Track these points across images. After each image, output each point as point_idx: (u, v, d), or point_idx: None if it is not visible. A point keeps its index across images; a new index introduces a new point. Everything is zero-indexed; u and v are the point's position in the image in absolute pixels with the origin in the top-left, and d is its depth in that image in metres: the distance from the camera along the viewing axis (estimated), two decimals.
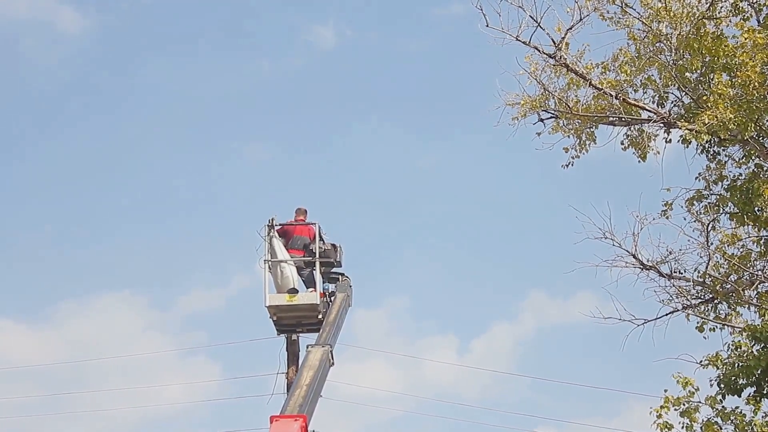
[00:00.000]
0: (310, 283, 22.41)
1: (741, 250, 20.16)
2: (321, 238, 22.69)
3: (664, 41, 19.72)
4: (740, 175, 20.04)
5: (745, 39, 18.82)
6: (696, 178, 20.51)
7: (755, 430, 17.28)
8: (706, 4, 19.75)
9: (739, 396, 17.39)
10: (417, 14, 55.61)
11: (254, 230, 22.30)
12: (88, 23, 55.33)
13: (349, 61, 54.73)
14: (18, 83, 54.32)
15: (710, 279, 20.06)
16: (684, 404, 17.50)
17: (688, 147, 19.87)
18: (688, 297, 20.21)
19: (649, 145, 20.65)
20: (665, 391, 17.53)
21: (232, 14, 55.69)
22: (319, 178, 49.79)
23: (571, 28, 19.96)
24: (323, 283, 22.64)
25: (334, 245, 22.91)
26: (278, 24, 55.53)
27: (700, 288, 20.23)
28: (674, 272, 20.27)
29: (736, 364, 17.26)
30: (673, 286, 20.22)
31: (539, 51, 20.12)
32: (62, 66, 54.36)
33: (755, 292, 19.75)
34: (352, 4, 56.49)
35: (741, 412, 17.52)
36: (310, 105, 53.39)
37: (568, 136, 20.88)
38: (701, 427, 17.63)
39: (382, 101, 54.09)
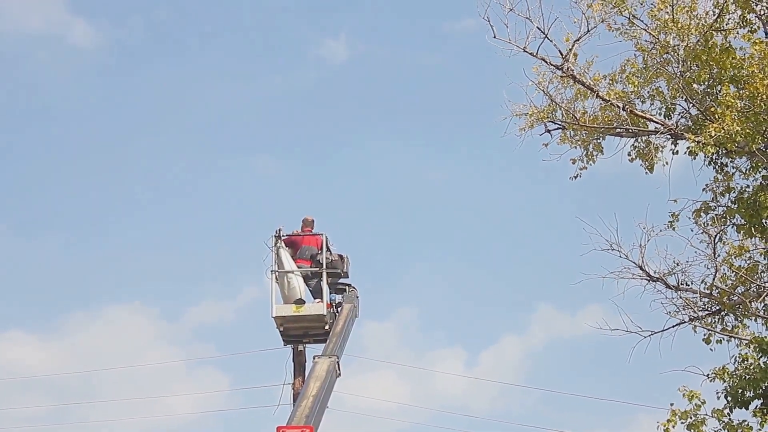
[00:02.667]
0: (317, 293, 22.42)
1: (748, 262, 20.13)
2: (328, 249, 22.70)
3: (672, 53, 19.70)
4: (747, 186, 20.01)
5: (754, 51, 18.83)
6: (703, 189, 20.49)
7: None
8: (714, 15, 19.74)
9: (747, 409, 17.37)
10: (429, 28, 55.90)
11: (262, 241, 22.34)
12: (100, 37, 55.60)
13: (360, 75, 54.94)
14: (31, 96, 54.63)
15: (717, 291, 20.04)
16: (691, 417, 17.46)
17: (695, 159, 19.80)
18: (695, 309, 20.18)
19: (656, 157, 20.63)
20: (671, 404, 17.52)
21: (244, 28, 56.03)
22: (329, 191, 49.99)
23: (578, 40, 19.98)
24: (330, 293, 22.64)
25: (341, 256, 22.92)
26: (290, 38, 55.85)
27: (706, 300, 20.21)
28: (681, 284, 20.25)
29: (743, 377, 17.23)
30: (680, 297, 20.20)
31: (547, 62, 20.14)
32: (75, 79, 54.63)
33: (762, 304, 19.73)
34: (364, 18, 56.82)
35: (748, 425, 17.48)
36: (321, 118, 53.71)
37: (575, 148, 20.89)
38: None
39: (394, 115, 54.37)
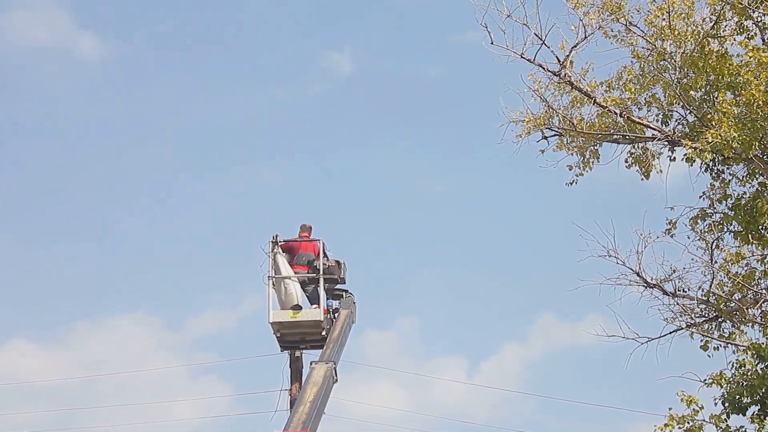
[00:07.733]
0: (313, 299, 22.39)
1: (745, 268, 20.15)
2: (325, 255, 22.70)
3: (669, 59, 19.74)
4: (744, 193, 20.06)
5: (750, 58, 18.88)
6: (700, 196, 20.55)
7: None
8: (711, 22, 19.79)
9: (744, 415, 17.37)
10: (433, 40, 56.11)
11: (259, 247, 22.32)
12: (106, 49, 55.79)
13: (365, 86, 55.17)
14: (37, 108, 54.74)
15: (714, 297, 20.04)
16: (688, 422, 17.47)
17: (692, 165, 19.89)
18: (692, 315, 20.20)
19: (653, 164, 20.69)
20: (669, 409, 17.53)
21: (249, 41, 56.24)
22: (333, 200, 50.09)
23: (575, 46, 20.02)
24: (327, 299, 22.62)
25: (338, 262, 22.89)
26: (295, 51, 56.06)
27: (704, 306, 20.22)
28: (678, 290, 20.27)
29: (741, 383, 17.23)
30: (677, 304, 20.21)
31: (544, 68, 20.17)
32: (81, 91, 54.79)
33: (759, 310, 19.74)
34: (369, 31, 57.06)
35: (745, 431, 17.49)
36: (325, 129, 53.90)
37: (572, 154, 20.93)
38: None
39: (398, 127, 54.56)
